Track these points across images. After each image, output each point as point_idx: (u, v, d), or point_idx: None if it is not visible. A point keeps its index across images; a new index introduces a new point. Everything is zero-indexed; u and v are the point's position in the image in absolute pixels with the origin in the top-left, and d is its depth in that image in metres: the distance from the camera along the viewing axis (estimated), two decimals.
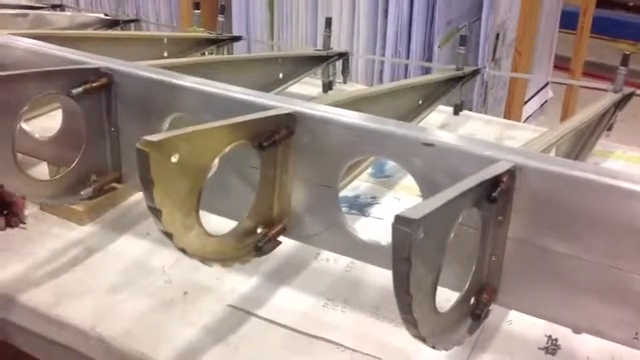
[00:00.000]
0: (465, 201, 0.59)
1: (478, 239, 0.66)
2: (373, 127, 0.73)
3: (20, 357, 0.86)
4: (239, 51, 1.75)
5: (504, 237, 0.67)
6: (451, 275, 0.64)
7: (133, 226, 0.96)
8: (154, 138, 0.60)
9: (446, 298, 0.63)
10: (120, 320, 0.79)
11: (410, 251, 0.50)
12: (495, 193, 0.62)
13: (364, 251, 0.76)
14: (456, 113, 1.28)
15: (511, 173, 0.64)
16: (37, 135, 0.94)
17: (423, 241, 0.52)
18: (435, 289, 0.58)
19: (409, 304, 0.53)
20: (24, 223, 0.95)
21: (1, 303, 0.83)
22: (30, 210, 0.97)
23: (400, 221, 0.50)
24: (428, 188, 0.71)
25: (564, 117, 2.32)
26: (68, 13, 1.67)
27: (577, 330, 0.68)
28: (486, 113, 1.90)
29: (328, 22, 1.41)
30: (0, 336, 0.84)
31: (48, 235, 0.94)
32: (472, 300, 0.67)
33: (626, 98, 1.14)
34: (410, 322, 0.55)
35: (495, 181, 0.62)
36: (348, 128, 0.74)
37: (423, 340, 0.58)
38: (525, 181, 0.65)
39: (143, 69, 0.86)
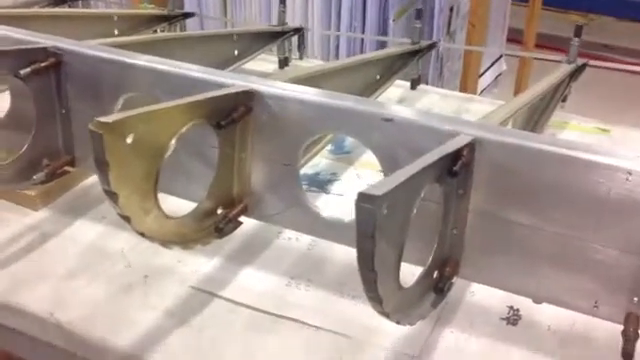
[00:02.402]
0: (427, 176, 0.59)
1: (440, 213, 0.67)
2: (332, 103, 0.72)
3: None
4: (191, 28, 1.72)
5: (465, 210, 0.67)
6: (413, 250, 0.64)
7: (89, 210, 0.93)
8: (108, 119, 0.59)
9: (410, 272, 0.64)
10: (79, 306, 0.77)
11: (374, 228, 0.50)
12: (456, 167, 0.62)
13: (326, 229, 0.76)
14: (413, 87, 1.27)
15: (471, 146, 0.64)
16: None
17: (387, 218, 0.52)
18: (399, 265, 0.59)
19: (374, 281, 0.53)
20: None
21: None
22: None
23: (363, 198, 0.50)
24: (388, 164, 0.71)
25: (518, 89, 2.35)
26: None
27: (538, 300, 0.69)
28: (442, 87, 1.91)
29: None
30: None
31: (1, 221, 0.91)
32: (435, 274, 0.68)
33: (580, 69, 1.15)
34: (375, 299, 0.55)
35: (455, 155, 0.62)
36: (307, 105, 0.73)
37: (387, 316, 0.58)
38: (484, 154, 0.65)
39: (93, 48, 0.84)
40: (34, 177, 0.84)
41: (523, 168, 0.64)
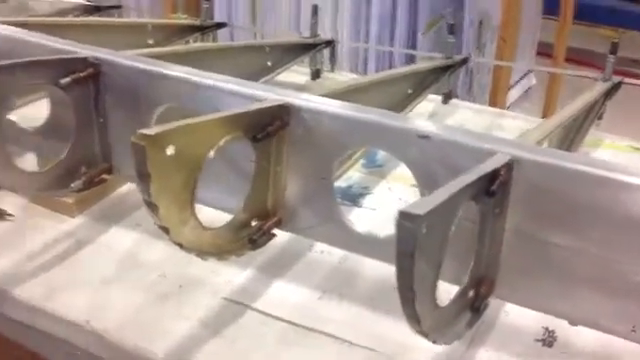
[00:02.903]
0: (465, 195, 0.59)
1: (476, 232, 0.66)
2: (368, 119, 0.73)
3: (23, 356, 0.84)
4: (222, 38, 1.73)
5: (501, 230, 0.67)
6: (449, 268, 0.64)
7: (124, 217, 0.95)
8: (150, 132, 0.60)
9: (444, 290, 0.63)
10: (114, 314, 0.78)
11: (414, 247, 0.50)
12: (493, 187, 0.62)
13: (360, 244, 0.76)
14: (445, 102, 1.27)
15: (508, 166, 0.64)
16: (24, 125, 0.92)
17: (426, 236, 0.52)
18: (436, 284, 0.58)
19: (412, 299, 0.53)
20: (12, 215, 0.93)
21: None
22: (19, 202, 0.95)
23: (404, 217, 0.50)
24: (424, 180, 0.71)
25: (548, 103, 2.33)
26: None
27: (574, 322, 0.68)
28: (471, 100, 1.90)
29: (314, 9, 1.39)
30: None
31: (38, 228, 0.92)
32: (471, 293, 0.67)
33: (615, 87, 1.14)
34: (412, 318, 0.55)
35: (493, 174, 0.62)
36: (342, 119, 0.73)
37: (425, 335, 0.58)
38: (522, 173, 0.65)
39: (131, 59, 0.85)
40: (72, 185, 0.85)
41: (560, 188, 0.64)
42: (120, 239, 0.91)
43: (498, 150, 0.65)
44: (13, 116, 0.92)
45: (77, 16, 1.56)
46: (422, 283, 0.54)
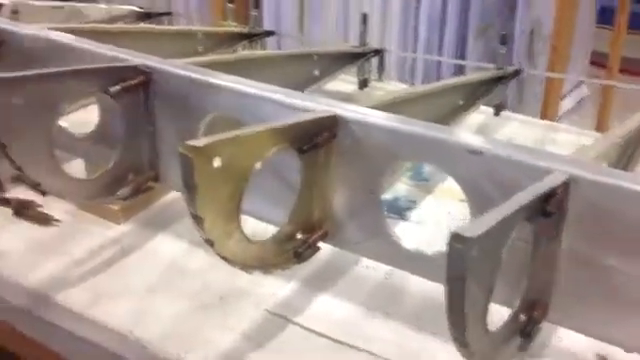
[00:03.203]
0: (519, 216, 0.56)
1: (529, 253, 0.64)
2: (418, 132, 0.71)
3: None
4: (269, 45, 1.74)
5: (556, 251, 0.65)
6: (500, 289, 0.62)
7: (169, 225, 0.95)
8: (198, 143, 0.59)
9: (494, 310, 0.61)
10: (158, 323, 0.78)
11: (465, 270, 0.48)
12: (550, 207, 0.59)
13: (408, 261, 0.74)
14: (497, 114, 1.24)
15: (565, 185, 0.61)
16: (73, 131, 0.93)
17: (478, 259, 0.50)
18: (487, 308, 0.56)
19: (462, 324, 0.51)
20: (58, 221, 0.94)
21: (38, 302, 0.82)
22: (66, 207, 0.96)
23: (456, 239, 0.48)
24: (474, 196, 0.69)
25: (602, 115, 2.26)
26: (101, 5, 1.66)
27: (629, 349, 0.65)
28: (522, 111, 1.86)
29: (364, 18, 1.38)
30: (39, 337, 0.84)
31: (84, 233, 0.93)
32: (522, 317, 0.65)
33: None
34: (461, 342, 0.53)
35: (549, 194, 0.60)
36: (392, 132, 0.72)
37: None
38: (579, 193, 0.62)
39: (181, 67, 0.85)
40: (119, 192, 0.85)
41: (618, 209, 0.61)
42: (165, 247, 0.91)
43: (554, 168, 0.63)
44: (64, 122, 0.93)
45: (129, 23, 1.58)
46: (472, 307, 0.52)
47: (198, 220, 0.61)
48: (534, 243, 0.63)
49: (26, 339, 0.85)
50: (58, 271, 0.86)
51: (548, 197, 0.60)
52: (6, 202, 0.97)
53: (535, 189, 0.59)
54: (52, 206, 0.96)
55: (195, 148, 0.59)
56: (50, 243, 0.91)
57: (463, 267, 0.48)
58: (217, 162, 0.62)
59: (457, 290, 0.49)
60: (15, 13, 1.23)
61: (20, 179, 0.93)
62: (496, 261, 0.54)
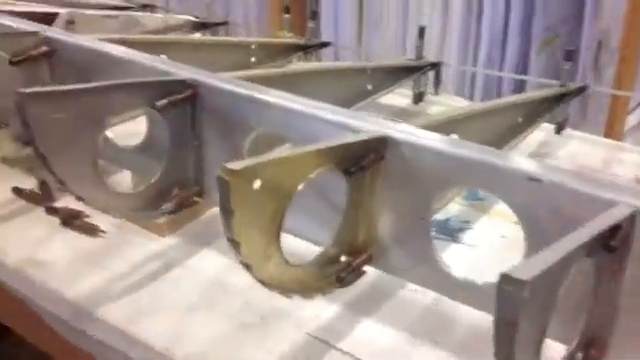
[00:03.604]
0: (579, 254, 0.52)
1: (587, 286, 0.59)
2: (472, 157, 0.67)
3: None
4: (326, 56, 1.71)
5: (619, 287, 0.60)
6: (555, 324, 0.57)
7: (214, 240, 0.93)
8: (236, 166, 0.57)
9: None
10: (195, 342, 0.76)
11: (517, 315, 0.44)
12: (614, 242, 0.55)
13: (457, 289, 0.70)
14: (558, 132, 1.19)
15: (631, 219, 0.57)
16: (120, 143, 0.93)
17: (531, 301, 0.45)
18: (540, 349, 0.52)
19: None
20: (104, 232, 0.94)
21: (79, 316, 0.81)
22: (112, 219, 0.95)
23: (507, 281, 0.44)
24: (531, 226, 0.64)
25: None
26: (158, 15, 1.67)
27: None
28: (587, 126, 1.78)
29: (421, 31, 1.34)
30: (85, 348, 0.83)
31: (128, 245, 0.92)
32: (579, 356, 0.60)
33: None
34: None
35: (613, 228, 0.55)
36: (444, 156, 0.68)
37: None
38: None
39: (228, 82, 0.83)
40: (163, 207, 0.84)
41: None
42: (208, 263, 0.89)
43: (619, 200, 0.58)
44: (111, 133, 0.92)
45: (184, 32, 1.58)
46: (524, 351, 0.48)
47: (234, 244, 0.59)
48: (595, 277, 0.59)
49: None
50: (100, 284, 0.85)
51: (612, 231, 0.55)
52: (55, 211, 0.97)
53: (598, 223, 0.54)
54: (99, 217, 0.95)
55: (233, 171, 0.57)
56: (95, 254, 0.90)
57: (513, 312, 0.44)
58: (257, 184, 0.59)
59: (506, 336, 0.45)
60: (71, 23, 1.25)
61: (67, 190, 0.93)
62: (551, 303, 0.50)
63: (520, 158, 0.66)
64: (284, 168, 0.62)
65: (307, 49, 1.42)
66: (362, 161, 0.68)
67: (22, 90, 0.65)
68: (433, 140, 0.69)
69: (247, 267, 0.61)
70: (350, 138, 0.68)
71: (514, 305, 0.43)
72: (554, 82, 1.19)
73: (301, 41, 1.42)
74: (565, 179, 0.61)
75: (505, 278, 0.43)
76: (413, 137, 0.70)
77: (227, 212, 0.57)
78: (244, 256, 0.60)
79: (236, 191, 0.57)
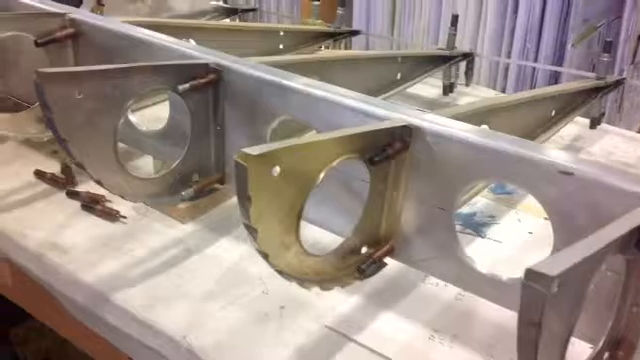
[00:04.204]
0: (610, 250, 0.49)
1: (616, 284, 0.57)
2: (500, 148, 0.64)
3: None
4: (357, 44, 1.68)
5: None
6: (581, 322, 0.55)
7: (234, 228, 0.92)
8: (254, 151, 0.55)
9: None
10: (212, 331, 0.75)
11: (542, 314, 0.41)
12: None
13: (480, 284, 0.68)
14: (593, 127, 1.15)
15: None
16: (143, 127, 0.92)
17: (557, 298, 0.43)
18: (566, 347, 0.49)
19: None
20: (125, 217, 0.93)
21: (97, 301, 0.81)
22: (134, 204, 0.95)
23: (532, 277, 0.41)
24: (561, 221, 0.62)
25: None
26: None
27: None
28: (620, 120, 1.73)
29: (454, 19, 1.31)
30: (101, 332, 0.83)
31: (148, 231, 0.91)
32: (606, 356, 0.58)
33: None
34: None
35: None
36: (471, 147, 0.66)
37: None
38: None
39: (253, 67, 0.81)
40: (183, 193, 0.83)
41: None
42: (227, 251, 0.88)
43: None
44: (134, 117, 0.92)
45: (214, 18, 1.57)
46: (549, 350, 0.46)
47: (251, 231, 0.57)
48: (626, 275, 0.56)
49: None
50: (119, 269, 0.84)
51: None
52: (76, 195, 0.97)
53: (631, 219, 0.51)
54: (120, 202, 0.95)
55: (251, 156, 0.55)
56: (114, 239, 0.90)
57: (538, 310, 0.42)
58: (276, 171, 0.58)
59: (529, 336, 0.43)
60: (101, 5, 1.24)
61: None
62: (579, 300, 0.47)
63: (551, 150, 0.63)
64: (305, 155, 0.60)
65: (336, 37, 1.40)
66: (386, 150, 0.66)
67: (41, 70, 0.64)
68: (461, 130, 0.67)
69: (264, 255, 0.60)
70: (375, 126, 0.66)
71: (539, 302, 0.41)
72: (590, 74, 1.15)
73: (330, 28, 1.40)
74: (598, 173, 0.59)
75: (530, 273, 0.41)
76: (440, 127, 0.67)
77: (244, 198, 0.55)
78: (261, 244, 0.59)
79: (254, 177, 0.55)
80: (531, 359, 0.43)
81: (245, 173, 0.54)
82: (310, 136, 0.66)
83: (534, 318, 0.42)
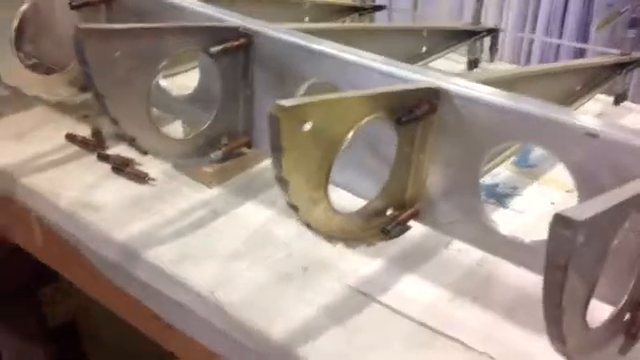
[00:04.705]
0: (635, 205, 0.50)
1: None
2: (527, 110, 0.65)
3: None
4: (379, 20, 1.69)
5: None
6: (602, 284, 0.56)
7: (260, 193, 0.93)
8: (287, 103, 0.56)
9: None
10: (239, 288, 0.77)
11: (568, 258, 0.43)
12: None
13: (503, 247, 0.69)
14: (617, 103, 1.15)
15: None
16: (174, 92, 0.94)
17: (584, 247, 0.44)
18: (588, 302, 0.51)
19: (558, 318, 0.46)
20: (153, 179, 0.95)
21: (128, 257, 0.83)
22: (163, 167, 0.97)
23: (560, 222, 0.43)
24: (586, 184, 0.63)
25: None
26: None
27: None
28: None
29: None
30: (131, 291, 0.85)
31: (177, 194, 0.93)
32: (627, 317, 0.59)
33: None
34: (557, 338, 0.48)
35: None
36: (499, 109, 0.67)
37: (569, 357, 0.50)
38: None
39: (283, 32, 0.83)
40: (211, 155, 0.85)
41: None
42: (253, 214, 0.90)
43: None
44: (165, 82, 0.93)
45: None
46: (572, 300, 0.47)
47: (283, 182, 0.59)
48: None
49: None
50: (149, 228, 0.86)
51: None
52: (106, 158, 0.99)
53: None
54: (149, 164, 0.97)
55: (284, 108, 0.56)
56: (144, 200, 0.92)
57: (565, 255, 0.43)
58: (307, 126, 0.59)
59: (556, 281, 0.44)
60: None
61: (119, 136, 0.94)
62: (603, 252, 0.48)
63: (577, 114, 0.64)
64: (335, 111, 0.62)
65: (361, 11, 1.41)
66: (415, 111, 0.67)
67: (81, 26, 0.66)
68: (488, 93, 0.68)
69: (294, 208, 0.61)
70: (403, 86, 0.68)
71: (566, 247, 0.42)
72: (615, 51, 1.15)
73: (355, 2, 1.40)
74: (622, 135, 0.60)
75: (559, 219, 0.42)
76: (467, 90, 0.69)
77: (277, 149, 0.57)
78: (292, 196, 0.60)
79: (286, 129, 0.57)
80: (556, 303, 0.44)
81: (278, 124, 0.56)
82: (340, 93, 0.68)
83: (561, 261, 0.43)
